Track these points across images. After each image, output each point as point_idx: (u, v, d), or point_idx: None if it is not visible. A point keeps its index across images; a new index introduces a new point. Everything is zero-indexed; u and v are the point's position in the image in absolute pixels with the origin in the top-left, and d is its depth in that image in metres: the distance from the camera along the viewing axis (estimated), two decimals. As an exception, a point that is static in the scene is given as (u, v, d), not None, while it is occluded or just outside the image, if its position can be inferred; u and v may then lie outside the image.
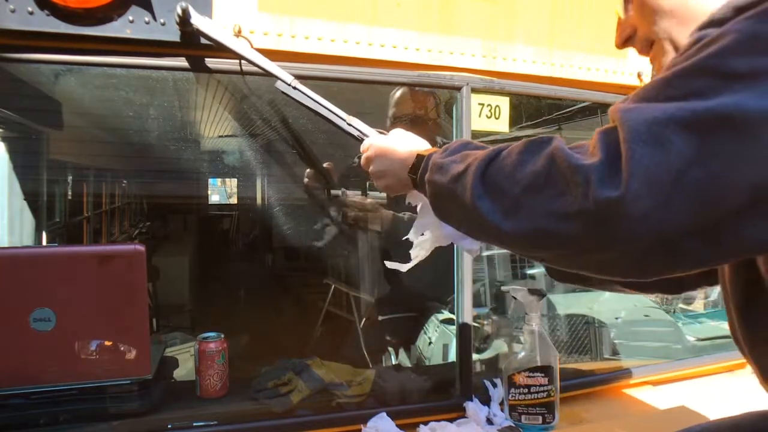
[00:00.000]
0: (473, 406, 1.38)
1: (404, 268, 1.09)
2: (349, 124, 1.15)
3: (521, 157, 0.68)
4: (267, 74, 1.16)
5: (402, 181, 0.99)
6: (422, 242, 1.07)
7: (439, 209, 0.84)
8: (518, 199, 0.66)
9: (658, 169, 0.55)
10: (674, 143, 0.55)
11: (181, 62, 1.18)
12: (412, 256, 1.08)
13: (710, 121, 0.55)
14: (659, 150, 0.55)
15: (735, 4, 0.60)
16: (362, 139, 1.14)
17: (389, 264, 1.11)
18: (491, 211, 0.69)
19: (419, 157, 0.93)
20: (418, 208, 1.07)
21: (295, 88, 1.15)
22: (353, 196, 1.82)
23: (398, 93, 1.77)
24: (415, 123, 1.74)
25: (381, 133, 1.15)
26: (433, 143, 1.09)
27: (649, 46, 0.82)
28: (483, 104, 1.46)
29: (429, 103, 1.80)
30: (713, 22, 0.62)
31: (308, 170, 1.53)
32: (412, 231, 1.08)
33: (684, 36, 0.72)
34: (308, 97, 1.16)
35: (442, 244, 1.04)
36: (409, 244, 1.09)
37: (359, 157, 1.13)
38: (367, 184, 1.60)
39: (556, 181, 0.62)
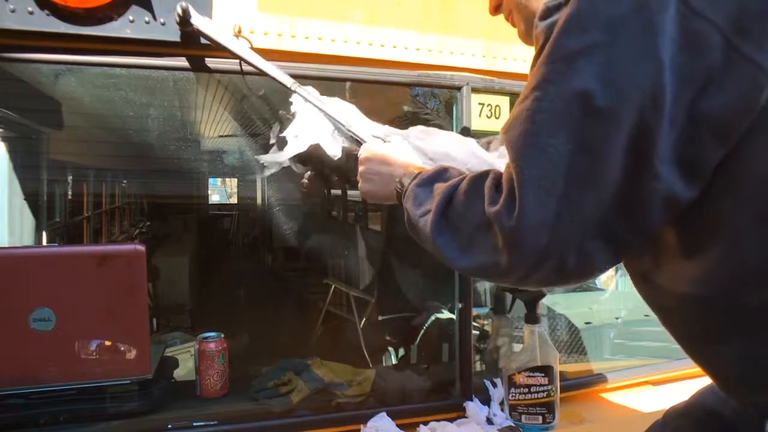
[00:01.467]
0: (473, 406, 1.38)
1: (281, 158, 1.18)
2: (348, 129, 1.16)
3: (467, 197, 0.75)
4: (266, 75, 1.16)
5: (388, 190, 1.01)
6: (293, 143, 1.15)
7: (412, 233, 0.89)
8: (469, 237, 0.73)
9: (544, 174, 0.61)
10: (549, 144, 0.61)
11: (181, 62, 1.18)
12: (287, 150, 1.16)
13: (570, 110, 0.60)
14: (540, 157, 0.62)
15: None
16: (360, 143, 1.15)
17: (262, 158, 1.21)
18: (447, 247, 0.76)
19: (407, 175, 0.96)
20: (296, 113, 1.14)
21: (295, 91, 1.16)
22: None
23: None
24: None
25: (377, 138, 1.15)
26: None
27: (509, 14, 0.95)
28: (483, 104, 1.46)
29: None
30: (549, 10, 0.68)
31: (308, 172, 1.53)
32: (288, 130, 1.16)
33: (534, 6, 0.86)
34: (307, 99, 1.16)
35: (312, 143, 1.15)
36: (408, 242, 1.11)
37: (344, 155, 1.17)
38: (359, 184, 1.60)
39: (489, 221, 0.69)
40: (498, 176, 0.72)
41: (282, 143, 1.17)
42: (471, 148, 1.20)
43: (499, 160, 1.18)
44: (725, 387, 0.73)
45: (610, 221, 0.63)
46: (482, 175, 0.75)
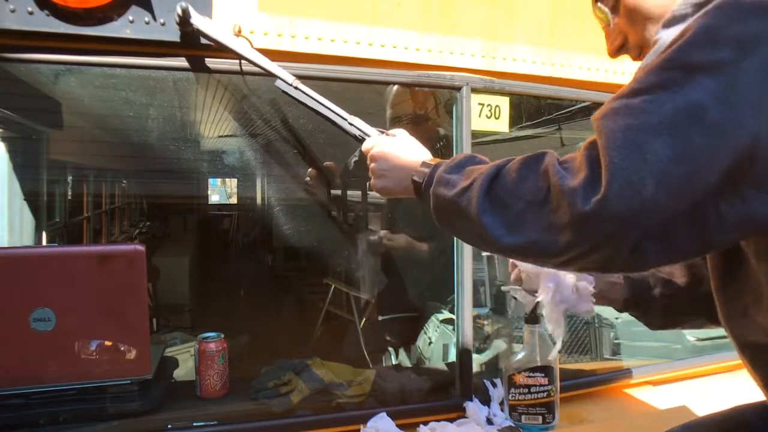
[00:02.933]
0: (473, 406, 1.38)
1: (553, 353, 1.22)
2: (351, 124, 1.15)
3: (520, 174, 0.73)
4: (267, 74, 1.16)
5: (403, 185, 1.00)
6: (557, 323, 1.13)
7: (441, 220, 0.86)
8: (520, 214, 0.71)
9: (637, 171, 0.60)
10: (650, 146, 0.60)
11: (181, 62, 1.18)
12: (557, 342, 1.18)
13: (681, 120, 0.59)
14: (636, 154, 0.60)
15: (693, 0, 0.66)
16: (363, 139, 1.14)
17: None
18: (495, 225, 0.73)
19: (425, 165, 0.94)
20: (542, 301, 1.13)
21: (296, 88, 1.15)
22: (390, 236, 1.89)
23: (394, 91, 1.77)
24: (415, 123, 1.74)
25: (382, 132, 1.15)
26: (432, 143, 1.10)
27: (641, 51, 0.86)
28: (483, 104, 1.46)
29: (428, 102, 1.80)
30: (675, 19, 0.67)
31: (309, 170, 1.53)
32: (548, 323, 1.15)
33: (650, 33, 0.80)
34: (309, 96, 1.16)
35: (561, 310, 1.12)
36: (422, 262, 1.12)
37: (359, 153, 1.14)
38: (367, 184, 1.60)
39: (550, 197, 0.67)
40: (558, 158, 0.70)
41: None
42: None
43: None
44: None
45: (679, 228, 0.62)
46: (537, 156, 0.73)
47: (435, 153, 1.05)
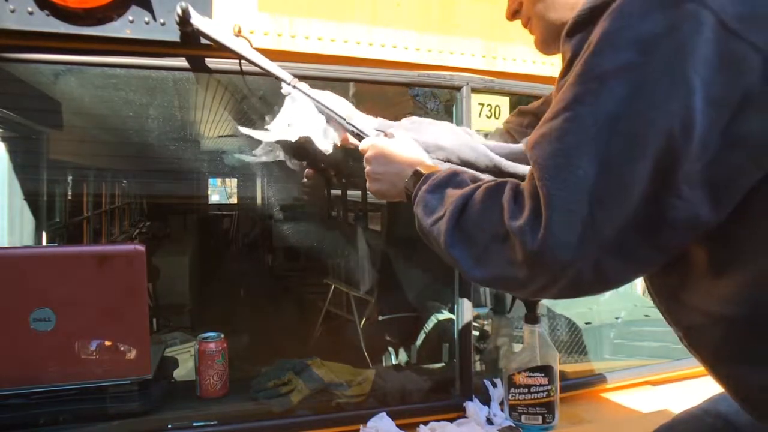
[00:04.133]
0: (473, 406, 1.38)
1: (269, 138, 1.17)
2: (349, 123, 1.15)
3: (483, 206, 0.75)
4: (267, 74, 1.16)
5: (397, 189, 1.00)
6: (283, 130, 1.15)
7: (423, 237, 0.88)
8: (485, 248, 0.73)
9: (573, 197, 0.61)
10: (579, 167, 0.61)
11: (181, 62, 1.18)
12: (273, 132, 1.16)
13: (599, 133, 0.60)
14: (569, 179, 0.61)
15: (589, 5, 0.66)
16: (361, 139, 1.14)
17: (243, 129, 1.20)
18: (463, 258, 0.76)
19: (415, 175, 0.95)
20: (287, 97, 1.14)
21: (295, 87, 1.15)
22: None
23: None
24: None
25: (380, 132, 1.15)
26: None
27: (528, 21, 0.93)
28: (483, 104, 1.46)
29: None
30: (576, 27, 0.68)
31: (307, 170, 1.53)
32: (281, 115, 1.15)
33: (553, 17, 0.86)
34: (308, 96, 1.16)
35: (302, 135, 1.14)
36: (411, 244, 1.11)
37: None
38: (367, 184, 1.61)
39: (508, 234, 0.69)
40: (515, 188, 0.71)
41: (275, 127, 1.17)
42: (463, 138, 1.19)
43: (491, 154, 1.18)
44: (751, 409, 0.72)
45: (630, 239, 0.63)
46: (498, 186, 0.74)
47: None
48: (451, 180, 0.86)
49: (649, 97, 0.59)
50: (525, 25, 0.96)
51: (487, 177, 1.06)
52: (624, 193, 0.60)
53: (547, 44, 0.91)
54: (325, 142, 1.16)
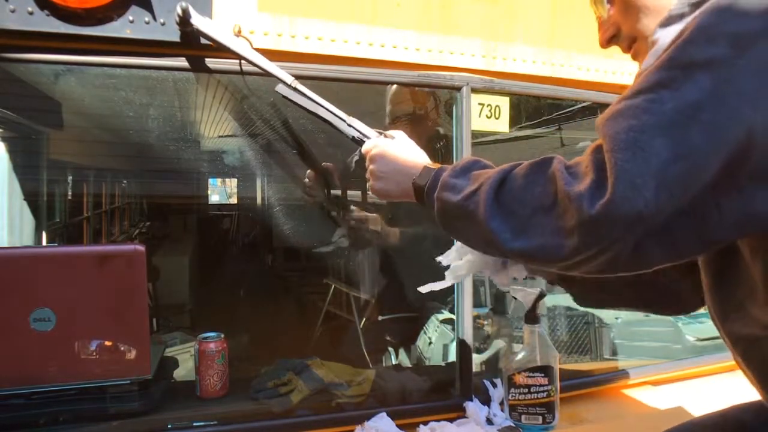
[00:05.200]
0: (473, 406, 1.38)
1: (438, 286, 1.10)
2: (350, 125, 1.15)
3: (527, 179, 0.74)
4: (267, 74, 1.16)
5: (402, 188, 1.00)
6: (458, 266, 1.06)
7: (446, 224, 0.87)
8: (527, 219, 0.72)
9: (640, 172, 0.61)
10: (652, 146, 0.61)
11: (181, 62, 1.18)
12: (447, 279, 1.08)
13: (679, 119, 0.61)
14: (639, 155, 0.61)
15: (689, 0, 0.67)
16: (362, 141, 1.14)
17: (423, 288, 1.12)
18: (502, 230, 0.74)
19: (426, 170, 0.95)
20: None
21: (295, 88, 1.15)
22: (356, 211, 1.84)
23: (393, 90, 1.77)
24: (415, 122, 1.74)
25: (380, 133, 1.15)
26: (432, 143, 1.10)
27: (632, 43, 0.86)
28: (483, 104, 1.46)
29: (428, 102, 1.80)
30: (672, 18, 0.68)
31: (309, 171, 1.53)
32: (450, 254, 1.07)
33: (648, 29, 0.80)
34: (308, 98, 1.16)
35: (478, 271, 1.06)
36: (412, 261, 1.11)
37: (359, 153, 1.13)
38: (367, 185, 1.61)
39: (557, 203, 0.68)
40: (565, 162, 0.71)
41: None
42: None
43: None
44: None
45: (679, 226, 0.63)
46: (544, 161, 0.74)
47: (434, 153, 1.05)
48: (475, 165, 0.86)
49: (737, 91, 0.59)
50: (627, 50, 0.88)
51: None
52: (691, 180, 0.61)
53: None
54: (500, 276, 1.05)
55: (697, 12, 0.63)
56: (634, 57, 0.87)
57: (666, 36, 0.68)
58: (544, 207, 0.70)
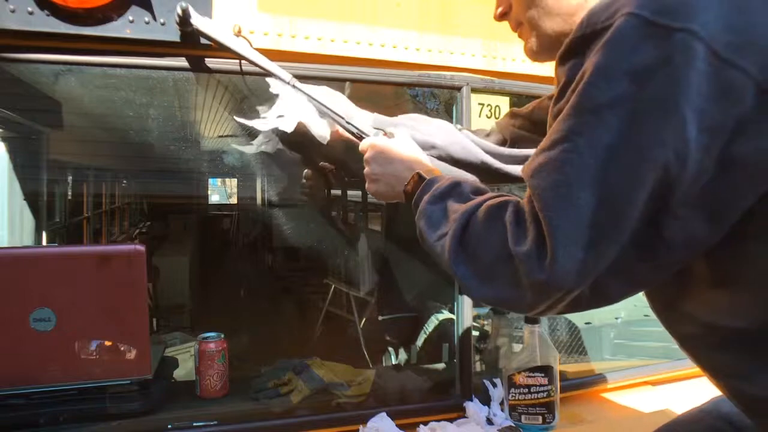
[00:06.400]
0: (473, 406, 1.38)
1: (261, 126, 1.17)
2: (348, 123, 1.15)
3: (486, 225, 0.75)
4: (267, 74, 1.16)
5: (395, 191, 1.00)
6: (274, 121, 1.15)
7: (426, 250, 0.88)
8: (489, 267, 0.73)
9: (574, 226, 0.62)
10: (579, 198, 0.62)
11: (181, 62, 1.18)
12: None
13: (598, 164, 0.61)
14: (570, 210, 0.62)
15: (581, 32, 0.65)
16: (361, 138, 1.13)
17: (239, 119, 1.20)
18: (468, 276, 0.76)
19: (417, 179, 0.95)
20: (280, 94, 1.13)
21: (294, 86, 1.15)
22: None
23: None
24: None
25: (378, 131, 1.15)
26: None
27: (518, 25, 0.90)
28: (483, 104, 1.46)
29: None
30: (568, 54, 0.67)
31: (306, 171, 1.52)
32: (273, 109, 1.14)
33: (547, 26, 0.83)
34: (307, 95, 1.16)
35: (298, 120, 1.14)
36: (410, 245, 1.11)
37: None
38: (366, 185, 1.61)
39: (512, 256, 0.70)
40: (517, 208, 0.72)
41: (270, 116, 1.17)
42: (454, 136, 1.21)
43: (481, 153, 1.19)
44: (750, 414, 0.73)
45: (630, 260, 0.64)
46: (500, 205, 0.75)
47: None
48: (453, 191, 0.86)
49: (644, 129, 0.60)
50: (514, 29, 0.93)
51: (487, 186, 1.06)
52: (624, 220, 0.62)
53: (538, 54, 0.89)
54: (321, 128, 1.15)
55: (594, 50, 0.62)
56: (519, 36, 0.92)
57: (566, 74, 0.67)
58: (502, 257, 0.71)
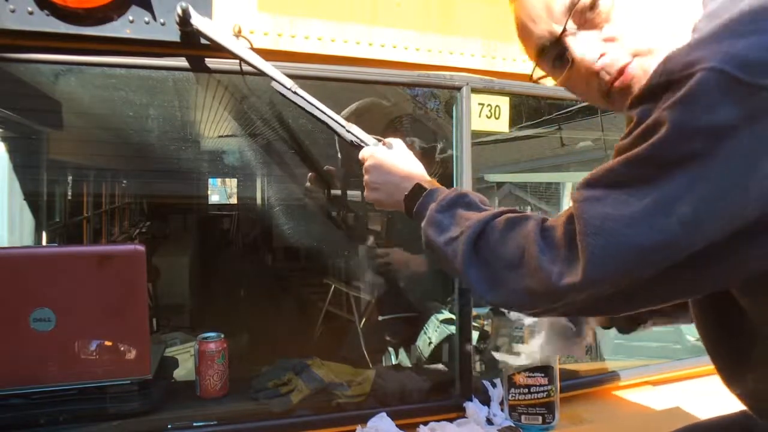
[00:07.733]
0: (473, 406, 1.38)
1: (516, 362, 1.28)
2: (348, 131, 1.15)
3: (503, 234, 0.77)
4: (266, 76, 1.16)
5: (395, 199, 1.02)
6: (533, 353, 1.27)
7: (432, 258, 0.92)
8: (500, 272, 0.76)
9: (613, 258, 0.63)
10: (626, 235, 0.62)
11: (181, 62, 1.18)
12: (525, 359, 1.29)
13: (657, 211, 0.61)
14: (611, 242, 0.63)
15: (656, 81, 0.63)
16: (360, 147, 1.14)
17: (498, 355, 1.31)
18: (478, 280, 0.79)
19: (418, 188, 0.97)
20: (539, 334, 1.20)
21: (295, 92, 1.15)
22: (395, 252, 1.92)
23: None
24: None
25: (378, 140, 1.15)
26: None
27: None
28: (483, 104, 1.46)
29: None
30: (643, 97, 0.65)
31: (310, 174, 1.53)
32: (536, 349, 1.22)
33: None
34: (307, 101, 1.16)
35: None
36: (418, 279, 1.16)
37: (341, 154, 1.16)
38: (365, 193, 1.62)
39: (525, 263, 0.72)
40: (542, 224, 0.73)
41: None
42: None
43: None
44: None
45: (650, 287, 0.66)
46: (522, 219, 0.77)
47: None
48: (461, 200, 0.88)
49: (715, 191, 0.59)
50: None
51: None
52: (664, 263, 0.62)
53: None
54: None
55: (669, 104, 0.60)
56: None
57: (639, 114, 0.65)
58: (513, 264, 0.73)
